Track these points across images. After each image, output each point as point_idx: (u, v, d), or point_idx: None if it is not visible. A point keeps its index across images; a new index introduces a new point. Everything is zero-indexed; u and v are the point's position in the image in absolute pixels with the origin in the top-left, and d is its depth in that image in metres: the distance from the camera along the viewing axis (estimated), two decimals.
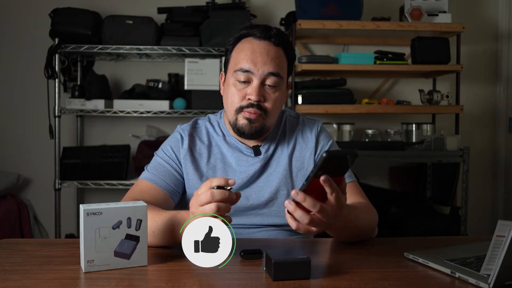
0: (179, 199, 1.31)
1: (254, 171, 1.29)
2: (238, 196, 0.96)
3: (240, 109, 1.25)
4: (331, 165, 0.88)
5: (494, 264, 0.83)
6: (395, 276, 0.93)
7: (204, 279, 0.91)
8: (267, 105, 1.25)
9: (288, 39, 1.30)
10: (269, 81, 1.24)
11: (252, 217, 1.29)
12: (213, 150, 1.32)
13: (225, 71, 1.33)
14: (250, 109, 1.23)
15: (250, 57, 1.23)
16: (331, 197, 0.91)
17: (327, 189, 0.90)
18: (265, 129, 1.28)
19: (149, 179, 1.26)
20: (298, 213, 0.90)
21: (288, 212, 0.92)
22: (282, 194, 1.30)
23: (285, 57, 1.28)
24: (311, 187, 0.89)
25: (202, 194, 0.94)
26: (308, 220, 0.91)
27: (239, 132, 1.27)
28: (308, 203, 0.90)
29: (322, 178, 0.88)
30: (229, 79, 1.28)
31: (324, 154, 0.85)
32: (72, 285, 0.87)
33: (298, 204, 0.90)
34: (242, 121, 1.25)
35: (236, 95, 1.25)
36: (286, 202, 0.91)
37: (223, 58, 2.85)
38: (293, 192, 0.90)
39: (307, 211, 0.91)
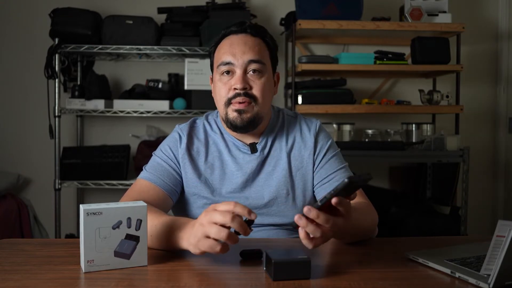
0: (177, 199, 1.31)
1: (252, 168, 1.30)
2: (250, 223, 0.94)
3: (228, 102, 1.25)
4: (348, 189, 0.90)
5: (494, 264, 0.83)
6: (395, 276, 0.93)
7: (204, 279, 0.91)
8: (254, 92, 1.25)
9: (265, 30, 1.33)
10: (251, 67, 1.25)
11: None
12: (211, 149, 1.33)
13: (212, 74, 1.35)
14: (238, 99, 1.24)
15: (229, 50, 1.26)
16: (343, 213, 0.93)
17: (340, 208, 0.91)
18: (258, 118, 1.27)
19: (147, 179, 1.26)
20: (310, 228, 0.90)
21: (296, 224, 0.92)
22: (282, 193, 1.30)
23: (265, 46, 1.30)
24: (325, 205, 0.91)
25: (221, 213, 0.91)
26: (321, 234, 0.91)
27: (232, 125, 1.27)
28: (321, 219, 0.89)
29: (334, 201, 0.89)
30: (215, 76, 1.30)
31: (346, 180, 0.86)
32: (72, 285, 0.87)
33: (308, 218, 0.90)
34: (232, 114, 1.25)
35: (222, 89, 1.26)
36: (296, 217, 0.90)
37: None
38: (305, 209, 0.89)
39: (318, 225, 0.91)
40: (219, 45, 1.31)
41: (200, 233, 0.92)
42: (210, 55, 1.34)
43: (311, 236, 0.91)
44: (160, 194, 1.24)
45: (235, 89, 1.24)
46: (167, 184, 1.26)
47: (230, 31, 1.30)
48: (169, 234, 1.03)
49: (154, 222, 1.06)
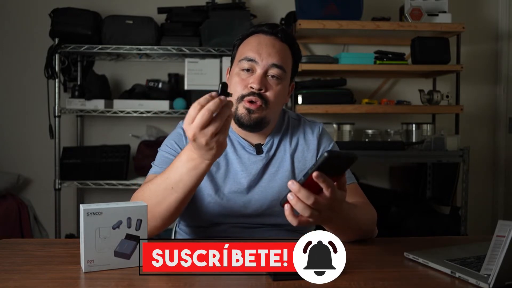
0: None
1: (257, 169, 1.29)
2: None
3: (241, 98, 1.25)
4: (330, 165, 0.88)
5: (494, 264, 0.83)
6: (395, 276, 0.93)
7: (204, 279, 0.91)
8: (269, 95, 1.25)
9: (294, 39, 1.33)
10: (272, 72, 1.25)
11: (254, 217, 1.29)
12: None
13: (231, 66, 1.34)
14: (251, 97, 1.23)
15: (255, 47, 1.26)
16: (326, 192, 0.91)
17: (322, 185, 0.90)
18: (265, 121, 1.27)
19: (157, 173, 1.25)
20: (300, 206, 0.91)
21: (284, 204, 0.92)
22: (284, 194, 1.29)
23: (290, 54, 1.30)
24: (310, 183, 0.90)
25: (189, 111, 0.93)
26: (309, 213, 0.91)
27: (239, 122, 1.26)
28: (302, 194, 0.90)
29: (315, 174, 0.88)
30: (234, 69, 1.30)
31: (326, 154, 0.85)
32: (72, 285, 0.87)
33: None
34: (241, 110, 1.25)
35: (238, 84, 1.26)
36: (289, 194, 0.91)
37: (223, 58, 2.85)
38: (289, 182, 0.90)
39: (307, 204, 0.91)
40: (245, 40, 1.31)
41: (198, 142, 0.95)
42: (234, 47, 1.34)
43: (300, 213, 0.92)
44: None
45: (251, 87, 1.24)
46: None
47: (260, 30, 1.30)
48: (188, 170, 1.03)
49: (163, 177, 1.06)
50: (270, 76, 1.25)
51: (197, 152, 0.99)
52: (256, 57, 1.25)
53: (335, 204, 0.94)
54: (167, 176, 1.06)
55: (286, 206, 0.92)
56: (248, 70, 1.25)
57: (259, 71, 1.25)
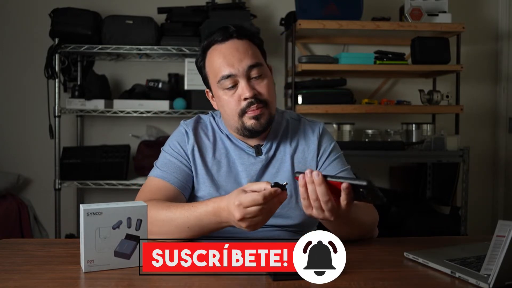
0: (189, 195, 1.30)
1: (256, 170, 1.29)
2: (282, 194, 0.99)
3: (242, 112, 1.24)
4: (361, 191, 0.93)
5: (494, 264, 0.83)
6: (395, 276, 0.93)
7: (204, 279, 0.91)
8: (264, 97, 1.24)
9: (247, 29, 1.30)
10: (253, 74, 1.24)
11: None
12: (218, 145, 1.32)
13: (208, 87, 1.32)
14: (252, 107, 1.23)
15: (223, 62, 1.23)
16: (343, 203, 0.97)
17: (345, 197, 0.96)
18: (272, 118, 1.28)
19: (159, 176, 1.25)
20: (311, 187, 0.98)
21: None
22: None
23: (255, 46, 1.28)
24: (331, 186, 0.95)
25: (249, 199, 0.97)
26: (305, 197, 0.99)
27: (251, 132, 1.26)
28: (321, 189, 0.96)
29: (344, 185, 0.93)
30: (216, 91, 1.27)
31: (365, 183, 0.90)
32: (72, 285, 0.87)
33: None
34: (249, 121, 1.24)
35: (231, 102, 1.24)
36: (307, 171, 0.97)
37: None
38: (315, 172, 0.96)
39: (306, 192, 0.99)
40: (206, 57, 1.28)
41: (246, 224, 0.99)
42: (201, 69, 1.31)
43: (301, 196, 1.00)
44: (172, 191, 1.24)
45: (245, 99, 1.22)
46: (180, 181, 1.26)
47: (214, 41, 1.26)
48: (209, 223, 1.07)
49: (184, 214, 1.08)
50: (253, 78, 1.24)
51: (229, 219, 1.02)
52: (231, 70, 1.22)
53: (341, 215, 1.01)
54: (187, 216, 1.07)
55: (301, 178, 0.99)
56: (231, 86, 1.24)
57: (242, 80, 1.23)
